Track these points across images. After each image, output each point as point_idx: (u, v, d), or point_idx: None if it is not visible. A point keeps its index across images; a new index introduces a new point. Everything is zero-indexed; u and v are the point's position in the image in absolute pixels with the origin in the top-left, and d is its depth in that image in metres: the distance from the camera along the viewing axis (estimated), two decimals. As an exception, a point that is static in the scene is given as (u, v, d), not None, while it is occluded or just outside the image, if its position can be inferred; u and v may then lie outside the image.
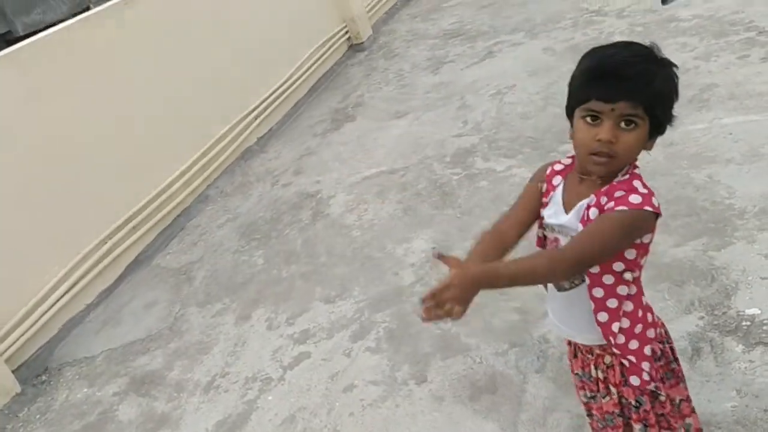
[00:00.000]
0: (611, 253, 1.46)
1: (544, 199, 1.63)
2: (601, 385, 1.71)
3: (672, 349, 1.69)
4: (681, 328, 2.60)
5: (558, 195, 1.59)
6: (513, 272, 1.42)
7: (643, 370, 1.58)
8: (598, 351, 1.66)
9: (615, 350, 1.58)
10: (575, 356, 1.77)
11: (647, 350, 1.58)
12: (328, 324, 3.39)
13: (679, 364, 1.70)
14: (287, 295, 3.75)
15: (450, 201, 4.08)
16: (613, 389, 1.67)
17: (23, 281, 3.84)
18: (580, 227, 1.49)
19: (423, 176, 4.48)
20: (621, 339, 1.57)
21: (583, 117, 1.46)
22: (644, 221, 1.44)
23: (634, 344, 1.57)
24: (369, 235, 4.02)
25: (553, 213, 1.59)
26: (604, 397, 1.71)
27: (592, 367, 1.70)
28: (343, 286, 3.63)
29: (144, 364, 3.58)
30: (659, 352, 1.63)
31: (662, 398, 1.63)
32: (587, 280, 1.54)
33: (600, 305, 1.55)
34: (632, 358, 1.58)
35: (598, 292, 1.54)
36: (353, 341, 3.20)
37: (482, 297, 3.35)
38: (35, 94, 4.04)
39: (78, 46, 4.38)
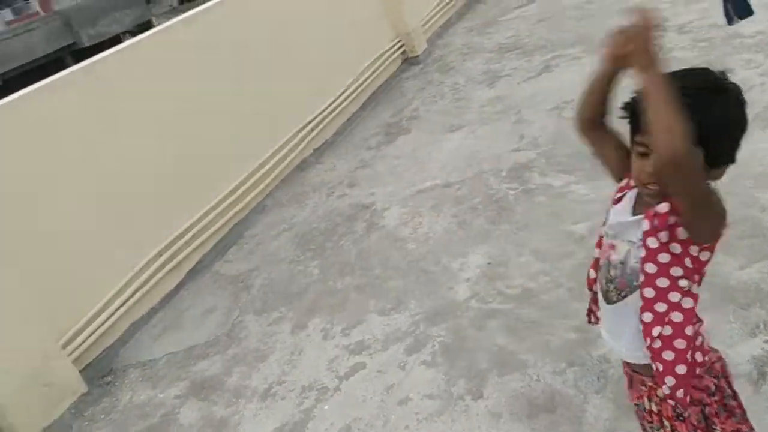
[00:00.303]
0: (691, 168, 1.33)
1: (618, 195, 1.62)
2: (654, 418, 1.68)
3: (729, 384, 1.64)
4: (746, 352, 2.54)
5: (632, 193, 1.58)
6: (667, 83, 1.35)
7: (665, 383, 1.54)
8: (650, 383, 1.64)
9: (646, 351, 1.55)
10: (630, 386, 1.76)
11: (680, 369, 1.53)
12: (383, 336, 3.42)
13: (736, 400, 1.65)
14: (342, 306, 3.80)
15: (506, 216, 4.06)
16: (666, 423, 1.64)
17: (92, 285, 4.01)
18: (640, 228, 1.49)
19: (478, 190, 4.48)
20: (657, 344, 1.53)
21: (635, 149, 1.48)
22: (717, 204, 1.42)
23: (668, 355, 1.53)
24: (424, 249, 4.04)
25: (621, 210, 1.59)
26: (657, 430, 1.69)
27: (646, 399, 1.68)
28: (398, 299, 3.66)
29: (203, 369, 3.68)
30: (713, 387, 1.59)
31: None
32: (642, 278, 1.51)
33: (648, 305, 1.52)
34: (659, 366, 1.54)
35: (649, 293, 1.51)
36: (408, 354, 3.23)
37: (538, 315, 3.29)
38: (107, 110, 4.23)
39: (145, 63, 4.57)
